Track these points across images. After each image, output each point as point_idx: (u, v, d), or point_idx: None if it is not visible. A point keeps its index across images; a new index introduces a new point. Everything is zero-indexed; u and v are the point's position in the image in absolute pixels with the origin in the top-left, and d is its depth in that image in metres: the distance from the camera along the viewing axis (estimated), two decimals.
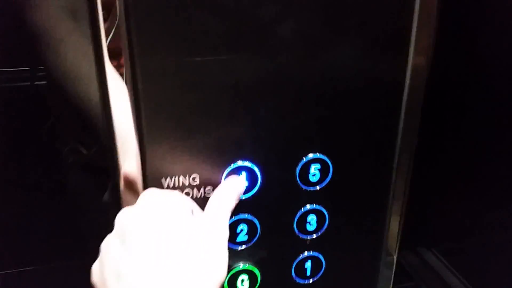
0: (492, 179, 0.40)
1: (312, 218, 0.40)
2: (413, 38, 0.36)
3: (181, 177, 0.33)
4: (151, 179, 0.32)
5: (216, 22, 0.31)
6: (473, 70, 0.39)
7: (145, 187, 0.33)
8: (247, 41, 0.32)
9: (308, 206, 0.39)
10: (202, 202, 0.34)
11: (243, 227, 0.37)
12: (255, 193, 0.36)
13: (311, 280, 0.42)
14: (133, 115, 0.31)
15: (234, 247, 0.37)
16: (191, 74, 0.31)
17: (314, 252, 0.41)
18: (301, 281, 0.42)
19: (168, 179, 0.33)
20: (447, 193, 0.43)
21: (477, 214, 0.42)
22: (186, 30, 0.30)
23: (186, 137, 0.33)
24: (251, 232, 0.37)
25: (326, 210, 0.40)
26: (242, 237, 0.37)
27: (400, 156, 0.40)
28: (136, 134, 0.31)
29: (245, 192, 0.36)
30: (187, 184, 0.34)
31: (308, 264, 0.42)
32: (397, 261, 0.44)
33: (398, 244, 0.44)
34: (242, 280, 0.39)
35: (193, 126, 0.33)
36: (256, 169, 0.36)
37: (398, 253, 0.44)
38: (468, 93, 0.41)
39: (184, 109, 0.32)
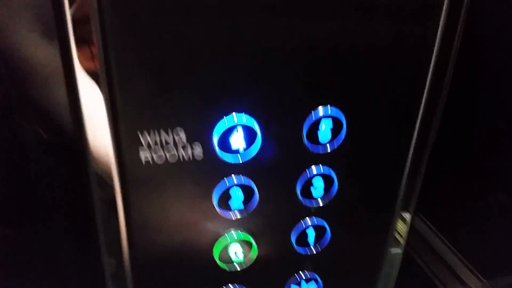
0: (483, 151, 0.38)
1: (318, 183, 0.35)
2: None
3: (163, 132, 0.27)
4: (125, 132, 0.26)
5: None
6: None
7: (117, 141, 0.27)
8: None
9: (314, 170, 0.35)
10: (190, 165, 0.29)
11: (238, 192, 0.33)
12: (252, 153, 0.31)
13: (314, 251, 0.39)
14: (99, 51, 0.24)
15: (228, 215, 0.34)
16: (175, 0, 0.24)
17: (318, 221, 0.37)
18: (303, 252, 0.39)
19: (146, 134, 0.27)
20: (435, 159, 0.39)
21: (466, 179, 0.40)
22: None
23: (166, 79, 0.26)
24: (247, 199, 0.33)
25: (336, 175, 0.35)
26: (237, 204, 0.33)
27: None
28: (103, 74, 0.25)
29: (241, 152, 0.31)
30: (170, 141, 0.28)
31: (311, 234, 0.38)
32: None
33: None
34: (236, 253, 0.34)
35: (175, 67, 0.26)
36: (255, 125, 0.30)
37: None
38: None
39: (163, 44, 0.26)
